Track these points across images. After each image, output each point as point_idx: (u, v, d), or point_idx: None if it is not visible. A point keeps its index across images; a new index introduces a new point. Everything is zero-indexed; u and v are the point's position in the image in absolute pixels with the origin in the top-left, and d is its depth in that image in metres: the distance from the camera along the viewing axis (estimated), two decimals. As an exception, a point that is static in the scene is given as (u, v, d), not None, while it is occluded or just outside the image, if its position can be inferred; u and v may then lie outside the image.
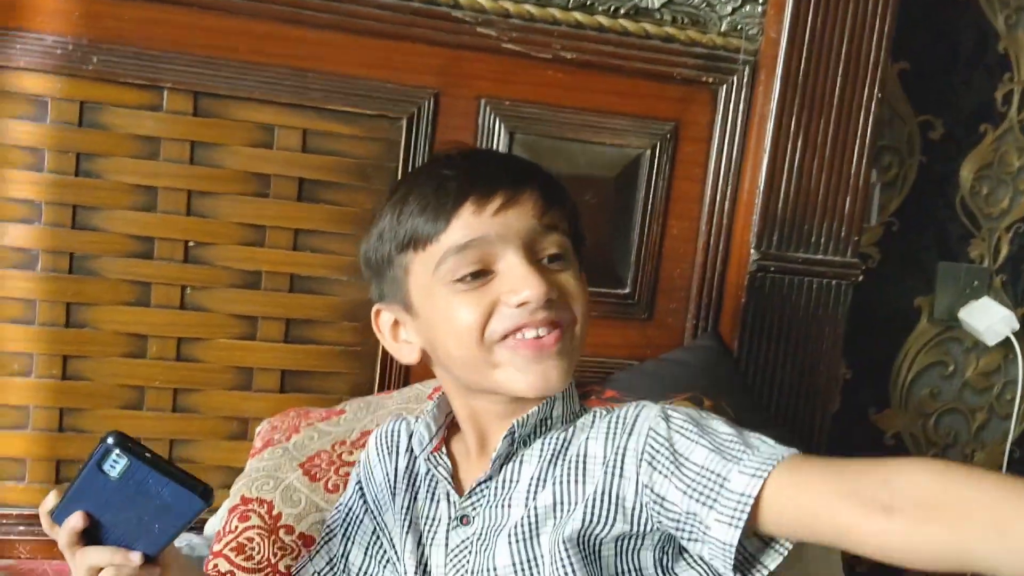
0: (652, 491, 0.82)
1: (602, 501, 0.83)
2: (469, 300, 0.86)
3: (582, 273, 0.96)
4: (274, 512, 1.22)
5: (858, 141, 1.58)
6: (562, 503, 0.85)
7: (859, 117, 1.57)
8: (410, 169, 1.46)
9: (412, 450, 1.00)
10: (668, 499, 0.81)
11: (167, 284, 1.42)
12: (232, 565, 1.17)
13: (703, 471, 0.78)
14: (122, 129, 1.38)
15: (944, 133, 1.87)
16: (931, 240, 1.90)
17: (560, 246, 0.89)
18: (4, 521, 1.42)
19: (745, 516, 0.75)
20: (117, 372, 1.43)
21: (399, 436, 1.02)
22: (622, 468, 0.83)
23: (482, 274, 0.86)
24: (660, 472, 0.81)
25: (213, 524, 1.40)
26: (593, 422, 0.89)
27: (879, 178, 1.81)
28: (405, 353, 0.96)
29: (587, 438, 0.87)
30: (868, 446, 1.93)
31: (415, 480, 0.98)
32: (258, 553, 1.18)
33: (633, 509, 0.83)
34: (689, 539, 0.82)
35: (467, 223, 0.86)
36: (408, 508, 0.96)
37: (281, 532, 1.20)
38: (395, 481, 0.99)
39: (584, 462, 0.86)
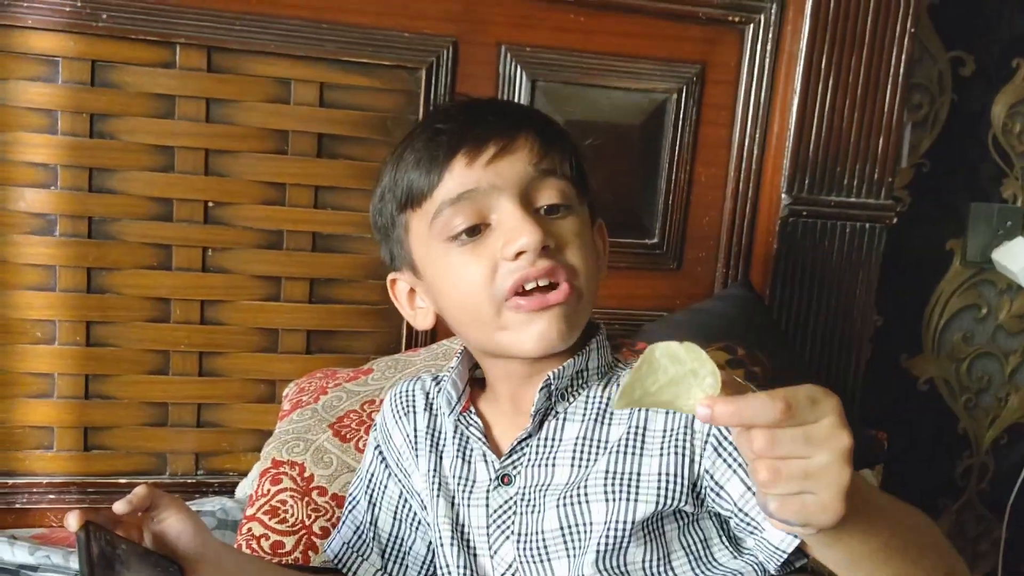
0: (712, 478, 0.80)
1: (673, 483, 0.81)
2: (467, 258, 0.83)
3: (599, 227, 0.93)
4: (306, 474, 1.20)
5: (891, 79, 1.53)
6: (619, 473, 0.82)
7: (891, 54, 1.52)
8: (430, 121, 1.42)
9: (431, 409, 0.97)
10: (726, 490, 0.79)
11: (188, 246, 1.40)
12: (266, 528, 1.15)
13: None
14: (135, 88, 1.34)
15: (975, 69, 1.81)
16: (962, 181, 1.85)
17: (559, 191, 0.85)
18: (35, 490, 1.41)
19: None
20: (142, 337, 1.41)
21: (414, 396, 0.99)
22: (690, 448, 0.81)
23: (478, 229, 0.83)
24: (724, 460, 0.79)
25: (244, 487, 1.39)
26: None
27: (909, 118, 1.76)
28: (420, 318, 0.94)
29: (647, 408, 0.84)
30: (901, 393, 1.90)
31: (440, 440, 0.95)
32: (292, 515, 1.16)
33: (697, 491, 0.81)
34: (737, 529, 0.81)
35: (460, 175, 0.83)
36: (435, 469, 0.94)
37: (314, 494, 1.19)
38: (416, 442, 0.96)
39: (643, 435, 0.83)
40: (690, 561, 0.84)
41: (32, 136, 1.32)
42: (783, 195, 1.53)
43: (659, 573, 0.83)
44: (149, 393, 1.43)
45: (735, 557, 0.84)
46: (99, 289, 1.38)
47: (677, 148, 1.54)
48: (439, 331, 1.46)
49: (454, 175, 0.83)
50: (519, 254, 0.81)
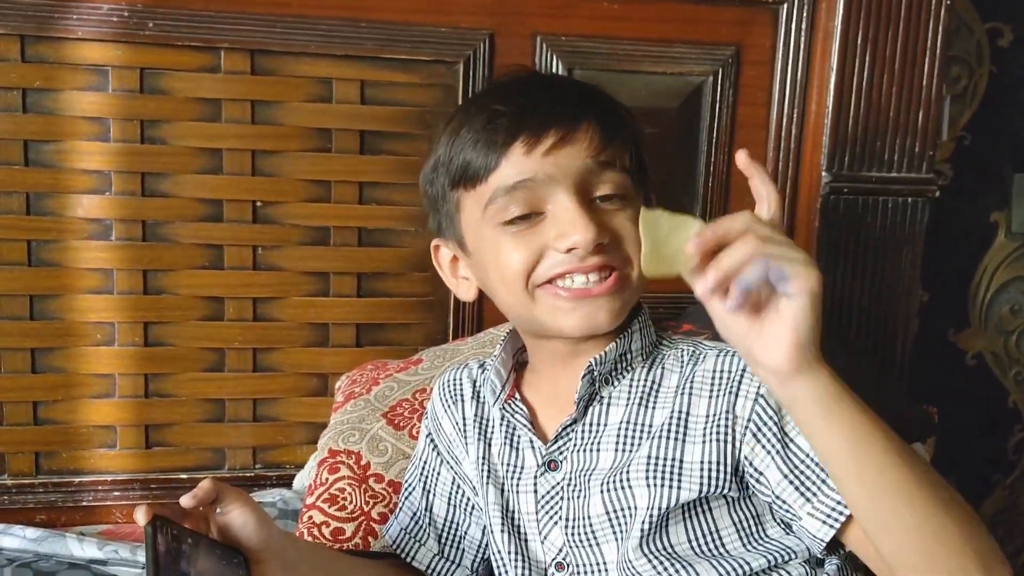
0: (751, 464, 0.81)
1: (716, 470, 0.82)
2: (517, 244, 0.83)
3: (650, 199, 0.92)
4: (362, 462, 1.23)
5: (928, 52, 1.52)
6: (661, 459, 0.83)
7: (928, 27, 1.51)
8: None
9: (478, 396, 0.98)
10: (765, 476, 0.80)
11: (239, 245, 1.43)
12: (326, 516, 1.18)
13: (808, 460, 0.78)
14: (182, 93, 1.38)
15: (1014, 39, 1.80)
16: (1005, 152, 1.84)
17: (617, 184, 0.84)
18: (100, 487, 1.45)
19: (842, 521, 0.76)
20: (197, 335, 1.44)
21: (461, 384, 1.00)
22: (733, 434, 0.81)
23: (532, 216, 0.83)
24: (763, 447, 0.80)
25: (301, 478, 1.42)
26: (685, 363, 0.87)
27: (948, 91, 1.75)
28: (463, 290, 0.94)
29: (690, 392, 0.85)
30: (949, 368, 1.89)
31: (487, 427, 0.97)
32: (351, 503, 1.19)
33: (740, 476, 0.82)
34: (776, 515, 0.82)
35: (517, 162, 0.83)
36: (484, 456, 0.95)
37: (371, 481, 1.21)
38: (465, 430, 0.98)
39: (686, 420, 0.84)
40: (741, 537, 0.84)
41: (86, 144, 1.36)
42: (823, 172, 1.53)
43: (709, 551, 0.84)
44: (206, 390, 1.46)
45: (787, 534, 0.84)
46: (155, 290, 1.42)
47: (715, 131, 1.55)
48: (486, 319, 1.49)
49: (511, 162, 0.83)
50: (570, 249, 0.82)
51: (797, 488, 0.78)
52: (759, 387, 0.82)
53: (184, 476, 1.47)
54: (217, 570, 0.79)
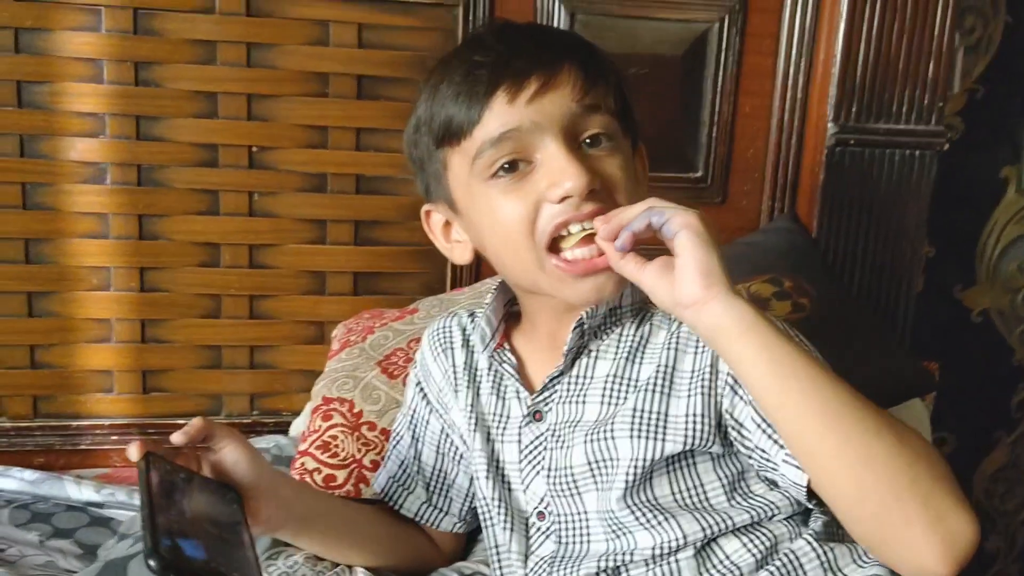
0: (732, 416, 0.80)
1: (700, 424, 0.81)
2: (511, 197, 0.81)
3: (639, 151, 0.90)
4: (355, 410, 1.23)
5: (941, 1, 1.48)
6: (646, 412, 0.82)
7: (942, -26, 1.47)
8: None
9: (468, 345, 0.97)
10: (745, 427, 0.80)
11: (234, 191, 1.42)
12: (318, 462, 1.18)
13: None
14: (177, 34, 1.36)
15: (1032, -11, 1.75)
16: (1019, 106, 1.80)
17: (604, 126, 0.83)
18: (97, 431, 1.46)
19: None
20: (193, 282, 1.44)
21: (451, 332, 0.99)
22: (715, 388, 0.81)
23: (520, 164, 0.81)
24: (740, 398, 0.79)
25: (298, 424, 1.42)
26: (673, 320, 0.86)
27: (961, 42, 1.71)
28: (458, 253, 0.92)
29: (676, 348, 0.84)
30: (955, 324, 1.87)
31: (476, 376, 0.96)
32: (343, 450, 1.19)
33: (723, 431, 0.82)
34: (760, 469, 0.81)
35: (501, 113, 0.80)
36: (472, 405, 0.95)
37: (364, 428, 1.21)
38: (455, 378, 0.97)
39: (672, 375, 0.83)
40: (725, 492, 0.83)
41: (79, 86, 1.35)
42: (830, 124, 1.50)
43: (692, 504, 0.83)
44: (203, 336, 1.46)
45: (771, 490, 0.84)
46: (151, 235, 1.41)
47: (720, 79, 1.52)
48: (484, 270, 1.48)
49: (495, 113, 0.81)
50: (564, 198, 0.80)
51: (770, 436, 0.77)
52: None
53: (181, 422, 1.45)
54: (211, 506, 0.78)
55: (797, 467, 0.75)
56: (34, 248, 1.38)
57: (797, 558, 0.81)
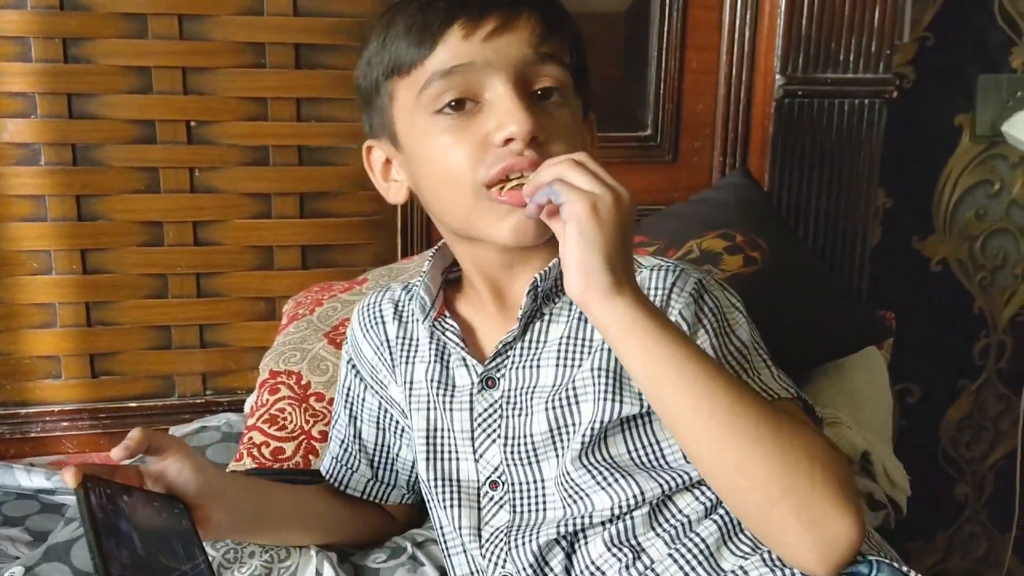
0: None
1: None
2: (454, 137, 0.79)
3: (589, 116, 0.89)
4: (303, 382, 1.21)
5: (884, -54, 1.47)
6: (606, 370, 0.81)
7: (884, -81, 1.45)
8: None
9: (401, 318, 0.95)
10: None
11: (175, 167, 1.39)
12: (266, 436, 1.17)
13: (742, 348, 0.81)
14: (105, 8, 1.32)
15: (978, -66, 1.74)
16: (969, 52, 1.79)
17: (557, 79, 0.81)
18: (47, 418, 1.44)
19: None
20: (137, 262, 1.41)
21: (381, 307, 0.97)
22: None
23: (467, 104, 0.79)
24: (706, 331, 0.81)
25: (250, 403, 1.40)
26: None
27: (910, -10, 1.69)
28: (393, 192, 0.90)
29: None
30: (913, 275, 1.87)
31: (412, 348, 0.94)
32: (291, 422, 1.18)
33: None
34: None
35: (454, 47, 0.79)
36: (410, 380, 0.93)
37: (311, 400, 1.20)
38: (390, 354, 0.95)
39: None
40: (676, 449, 0.83)
41: (7, 65, 1.31)
42: (777, 75, 1.49)
43: (649, 463, 0.82)
44: (151, 317, 1.44)
45: None
46: (90, 216, 1.38)
47: (666, 34, 1.50)
48: (434, 237, 1.46)
49: (448, 46, 0.79)
50: (507, 141, 0.78)
51: (734, 369, 0.79)
52: (681, 304, 0.81)
53: (133, 404, 1.46)
54: (158, 522, 0.76)
55: None
56: (-30, 234, 1.36)
57: None
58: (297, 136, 1.42)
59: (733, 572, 0.79)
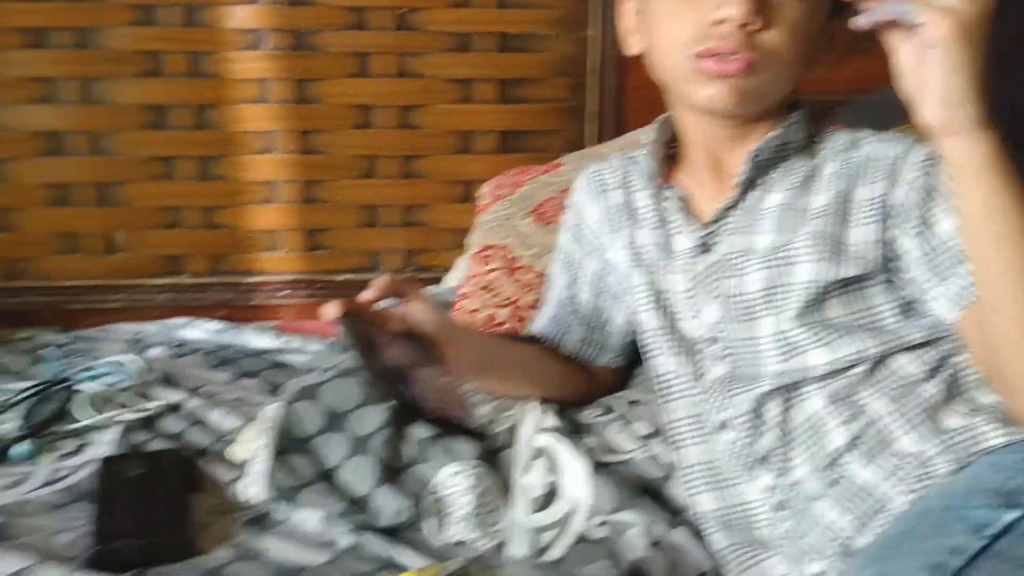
0: (895, 244, 0.83)
1: (874, 250, 0.83)
2: (677, 10, 0.83)
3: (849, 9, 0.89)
4: (511, 255, 1.28)
5: None
6: (825, 235, 0.84)
7: None
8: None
9: (625, 185, 1.00)
10: (905, 257, 0.82)
11: (384, 53, 1.47)
12: (480, 303, 1.25)
13: (946, 244, 0.80)
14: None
15: None
16: None
17: None
18: (266, 288, 1.57)
19: (964, 305, 0.78)
20: (350, 143, 1.51)
21: (605, 175, 1.02)
22: (885, 216, 0.83)
23: None
24: (906, 229, 0.82)
25: (449, 280, 1.49)
26: (844, 151, 0.87)
27: None
28: (631, 43, 0.94)
29: (848, 176, 0.86)
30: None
31: (635, 214, 0.99)
32: (502, 291, 1.25)
33: (889, 258, 0.84)
34: (912, 301, 0.83)
35: None
36: (632, 242, 0.98)
37: (519, 273, 1.26)
38: (612, 218, 1.01)
39: (846, 203, 0.85)
40: (897, 314, 0.85)
41: (234, -44, 1.40)
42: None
43: (866, 324, 0.85)
44: (360, 196, 1.53)
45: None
46: (308, 99, 1.48)
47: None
48: (628, 123, 1.49)
49: None
50: (720, 22, 0.81)
51: (930, 268, 0.80)
52: (913, 173, 0.82)
53: (341, 278, 1.57)
54: (407, 355, 0.83)
55: (951, 301, 0.79)
56: (202, 114, 1.47)
57: (964, 368, 0.83)
58: (499, 23, 1.47)
59: (955, 431, 0.82)
